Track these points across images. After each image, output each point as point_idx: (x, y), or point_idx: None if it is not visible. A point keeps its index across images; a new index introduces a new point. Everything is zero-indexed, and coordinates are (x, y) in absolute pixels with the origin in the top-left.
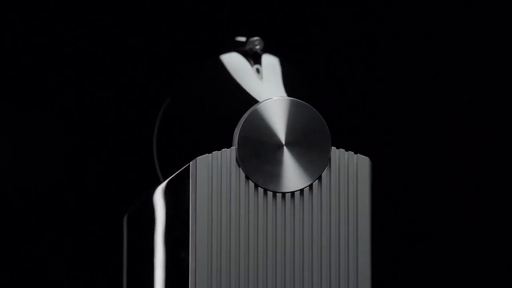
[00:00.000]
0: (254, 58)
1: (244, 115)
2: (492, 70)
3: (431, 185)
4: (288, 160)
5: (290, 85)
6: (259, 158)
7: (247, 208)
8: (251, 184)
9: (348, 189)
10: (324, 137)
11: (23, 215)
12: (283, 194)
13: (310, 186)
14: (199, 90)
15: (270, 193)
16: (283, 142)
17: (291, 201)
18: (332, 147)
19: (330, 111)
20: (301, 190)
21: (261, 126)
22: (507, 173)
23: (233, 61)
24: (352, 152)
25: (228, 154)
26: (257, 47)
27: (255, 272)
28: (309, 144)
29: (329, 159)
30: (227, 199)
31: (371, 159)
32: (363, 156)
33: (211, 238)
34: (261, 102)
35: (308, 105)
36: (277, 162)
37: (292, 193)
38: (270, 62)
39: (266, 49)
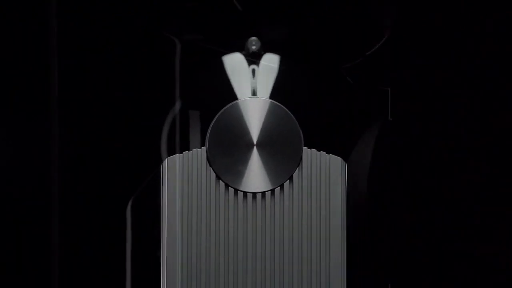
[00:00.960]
0: (254, 58)
1: (216, 116)
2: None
3: (410, 186)
4: (259, 160)
5: (279, 86)
6: (230, 158)
7: (217, 208)
8: (222, 184)
9: (320, 189)
10: (296, 137)
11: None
12: (254, 194)
13: (281, 186)
14: (196, 89)
15: (240, 193)
16: (254, 142)
17: (262, 201)
18: (304, 147)
19: (307, 112)
20: (272, 190)
21: (232, 126)
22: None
23: (232, 62)
24: (324, 152)
25: (199, 154)
26: (253, 47)
27: (225, 271)
28: (280, 144)
29: (301, 159)
30: (197, 199)
31: (345, 160)
32: (335, 156)
33: (181, 238)
34: (232, 102)
35: (281, 105)
36: (248, 162)
37: (263, 193)
38: (269, 62)
39: (268, 49)
